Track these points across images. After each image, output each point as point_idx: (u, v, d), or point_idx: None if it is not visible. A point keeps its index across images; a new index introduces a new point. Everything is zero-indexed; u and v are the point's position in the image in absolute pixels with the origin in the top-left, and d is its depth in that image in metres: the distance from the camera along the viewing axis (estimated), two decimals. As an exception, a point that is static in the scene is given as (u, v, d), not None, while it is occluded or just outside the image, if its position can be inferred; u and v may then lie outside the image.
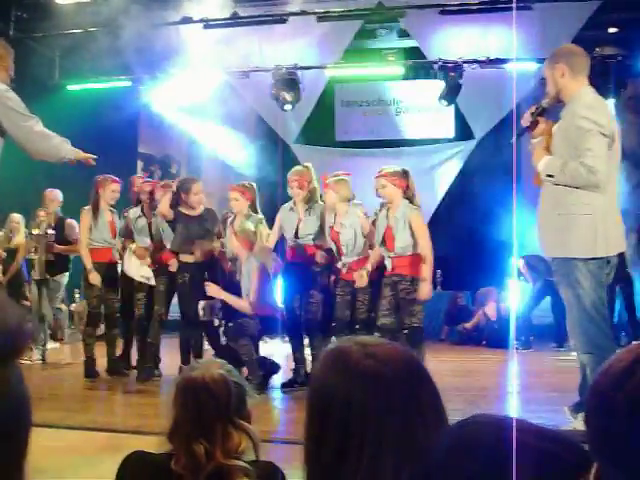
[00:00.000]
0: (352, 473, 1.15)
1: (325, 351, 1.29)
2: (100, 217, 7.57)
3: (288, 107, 11.58)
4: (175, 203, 7.27)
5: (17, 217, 9.92)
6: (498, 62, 10.97)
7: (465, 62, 11.01)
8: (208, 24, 11.31)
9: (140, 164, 13.70)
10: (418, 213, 6.43)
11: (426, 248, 6.26)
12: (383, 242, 6.40)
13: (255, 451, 2.02)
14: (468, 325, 11.57)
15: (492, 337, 11.02)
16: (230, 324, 6.68)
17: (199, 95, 12.09)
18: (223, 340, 7.10)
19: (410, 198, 6.42)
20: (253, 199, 7.28)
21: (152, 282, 7.36)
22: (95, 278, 7.43)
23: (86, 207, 7.71)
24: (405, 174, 6.45)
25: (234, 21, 11.16)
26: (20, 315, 0.78)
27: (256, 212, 7.30)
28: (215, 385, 1.99)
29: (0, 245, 9.74)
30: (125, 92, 12.03)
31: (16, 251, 9.74)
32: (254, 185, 7.41)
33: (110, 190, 7.57)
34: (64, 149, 4.72)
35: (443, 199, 13.14)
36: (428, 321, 12.14)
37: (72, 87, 12.27)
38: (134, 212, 7.73)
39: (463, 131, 13.24)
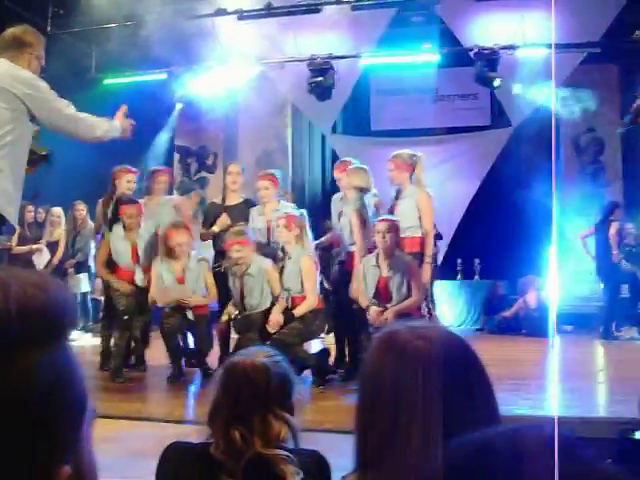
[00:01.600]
0: (400, 455, 1.15)
1: (377, 335, 1.30)
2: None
3: (323, 97, 11.54)
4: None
5: (57, 210, 10.09)
6: (535, 47, 10.80)
7: (502, 48, 10.86)
8: (242, 15, 11.30)
9: (177, 157, 13.78)
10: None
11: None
12: (378, 294, 6.42)
13: (295, 440, 2.02)
14: (507, 314, 11.47)
15: (532, 326, 10.91)
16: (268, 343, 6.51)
17: (234, 86, 12.11)
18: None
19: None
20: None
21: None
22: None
23: (101, 199, 7.69)
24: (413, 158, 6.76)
25: (268, 12, 11.14)
26: (67, 294, 0.75)
27: (287, 200, 7.28)
28: (255, 373, 2.00)
29: (44, 238, 9.91)
30: (161, 85, 12.07)
31: (57, 244, 9.92)
32: (276, 174, 7.37)
33: (125, 180, 7.45)
34: (100, 128, 4.63)
35: (480, 187, 13.02)
36: (466, 310, 12.16)
37: (108, 81, 12.37)
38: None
39: (500, 118, 13.09)
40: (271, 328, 6.32)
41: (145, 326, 7.18)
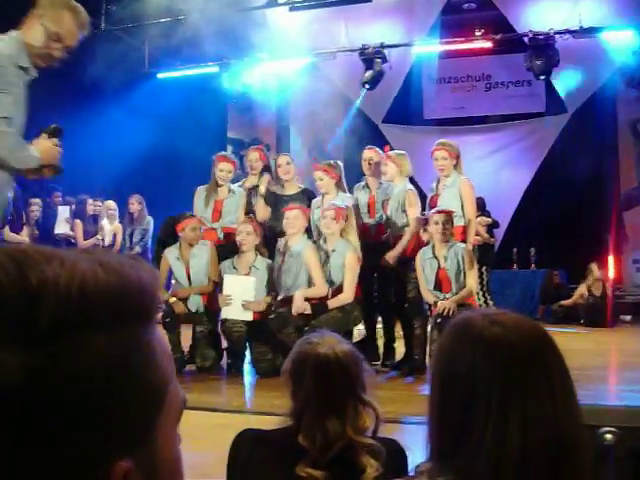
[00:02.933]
0: (477, 441, 1.14)
1: (450, 322, 1.29)
2: (211, 198, 7.40)
3: (375, 86, 11.50)
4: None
5: (112, 204, 10.25)
6: (591, 32, 10.59)
7: (556, 33, 10.66)
8: (294, 7, 11.32)
9: (230, 149, 13.87)
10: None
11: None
12: (438, 285, 6.40)
13: (375, 428, 2.02)
14: (565, 303, 11.32)
15: (591, 315, 10.75)
16: (272, 316, 6.42)
17: (286, 78, 12.14)
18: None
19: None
20: (339, 177, 7.20)
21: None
22: None
23: (200, 187, 7.69)
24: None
25: (319, 2, 11.12)
26: (154, 274, 0.73)
27: (344, 191, 7.23)
28: (348, 360, 2.01)
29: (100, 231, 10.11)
30: (213, 78, 12.16)
31: (114, 236, 10.12)
32: (340, 163, 7.34)
33: (219, 170, 7.36)
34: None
35: (536, 175, 12.86)
36: (522, 300, 12.03)
37: (162, 75, 12.50)
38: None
39: (555, 105, 12.89)
40: (294, 310, 6.32)
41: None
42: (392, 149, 7.36)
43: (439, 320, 6.07)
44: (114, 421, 0.64)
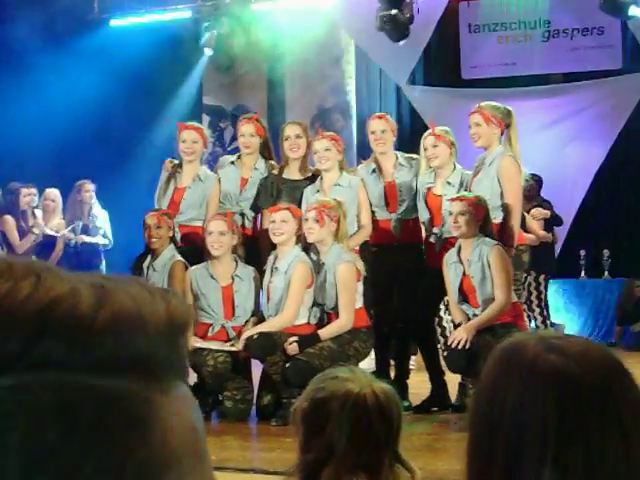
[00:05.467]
0: None
1: (495, 348, 1.32)
2: (171, 183, 7.45)
3: (398, 37, 11.46)
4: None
5: (53, 193, 10.27)
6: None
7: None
8: None
9: (206, 119, 13.83)
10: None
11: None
12: (463, 297, 6.41)
13: None
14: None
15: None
16: (288, 364, 6.32)
17: (281, 28, 12.10)
18: None
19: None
20: (342, 155, 7.19)
21: None
22: None
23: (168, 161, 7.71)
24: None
25: None
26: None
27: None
28: (389, 403, 2.00)
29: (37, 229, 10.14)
30: (183, 26, 12.15)
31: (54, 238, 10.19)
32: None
33: (180, 141, 7.40)
34: None
35: (611, 152, 12.80)
36: (594, 319, 11.98)
37: (116, 22, 12.50)
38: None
39: (635, 59, 12.84)
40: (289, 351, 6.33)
41: None
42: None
43: (445, 354, 6.10)
44: None
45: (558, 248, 11.16)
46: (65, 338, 0.63)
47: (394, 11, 11.17)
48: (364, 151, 7.48)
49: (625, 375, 1.24)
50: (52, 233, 10.05)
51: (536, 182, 10.02)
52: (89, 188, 10.21)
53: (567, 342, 1.25)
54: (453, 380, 6.61)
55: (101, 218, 10.27)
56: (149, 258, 6.92)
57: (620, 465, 1.14)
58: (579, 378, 1.19)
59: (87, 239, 10.08)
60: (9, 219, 9.86)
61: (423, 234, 7.03)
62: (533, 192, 10.05)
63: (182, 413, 0.68)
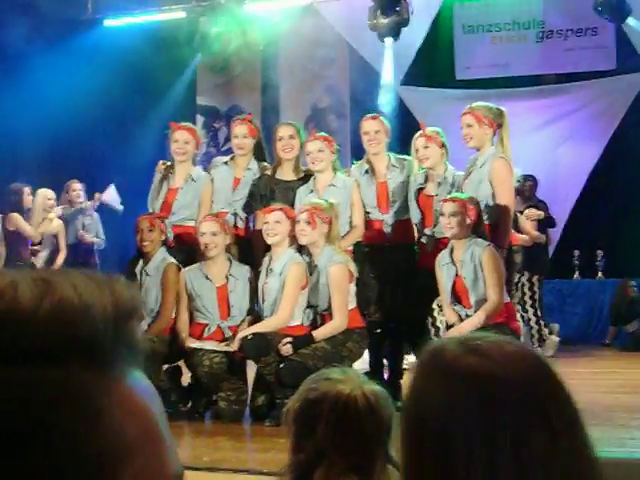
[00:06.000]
0: None
1: (420, 353, 1.31)
2: (164, 184, 7.44)
3: (392, 37, 11.47)
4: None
5: (49, 193, 10.31)
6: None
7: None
8: None
9: (200, 120, 13.83)
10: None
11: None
12: (456, 298, 6.41)
13: None
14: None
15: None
16: (282, 365, 6.32)
17: (273, 26, 12.10)
18: None
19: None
20: (335, 156, 7.20)
21: None
22: None
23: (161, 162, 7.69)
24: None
25: None
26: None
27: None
28: (378, 404, 2.00)
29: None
30: (177, 27, 12.14)
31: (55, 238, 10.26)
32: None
33: (173, 141, 7.37)
34: None
35: (604, 153, 12.81)
36: (587, 319, 11.98)
37: (110, 22, 12.49)
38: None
39: (629, 60, 12.85)
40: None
41: None
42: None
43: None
44: None
45: (552, 249, 11.16)
46: (7, 331, 0.63)
47: (387, 12, 11.19)
48: (358, 152, 7.43)
49: (547, 372, 1.24)
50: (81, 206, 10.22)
51: (532, 182, 10.06)
52: (76, 187, 10.27)
53: (486, 343, 1.24)
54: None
55: (94, 217, 10.37)
56: (141, 262, 6.91)
57: (551, 461, 1.14)
58: (499, 378, 1.18)
59: (105, 197, 10.23)
60: (16, 215, 9.87)
61: (415, 235, 7.03)
62: (530, 192, 10.09)
63: (137, 400, 0.68)
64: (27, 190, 9.93)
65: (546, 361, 1.25)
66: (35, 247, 10.01)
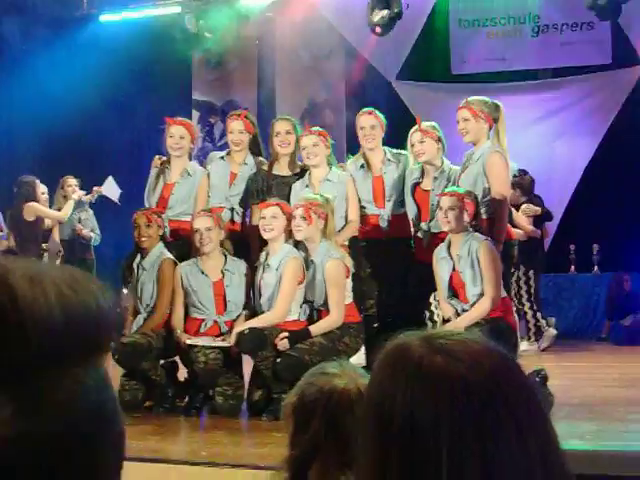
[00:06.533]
0: None
1: (381, 351, 1.27)
2: (160, 179, 7.46)
3: (387, 32, 11.45)
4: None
5: (43, 188, 10.33)
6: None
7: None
8: None
9: (196, 115, 13.81)
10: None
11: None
12: (453, 292, 6.41)
13: None
14: (640, 318, 11.34)
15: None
16: (279, 360, 6.32)
17: (270, 22, 12.09)
18: None
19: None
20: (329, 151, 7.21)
21: None
22: None
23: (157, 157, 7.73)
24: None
25: None
26: (108, 300, 0.75)
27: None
28: None
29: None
30: (173, 21, 12.12)
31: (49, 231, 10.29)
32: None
33: (168, 136, 7.38)
34: None
35: (600, 147, 12.82)
36: (583, 313, 11.99)
37: (105, 18, 12.47)
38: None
39: (625, 54, 12.85)
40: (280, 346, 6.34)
41: None
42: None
43: None
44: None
45: (547, 243, 11.17)
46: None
47: (383, 7, 11.17)
48: (354, 146, 7.43)
49: (513, 368, 1.23)
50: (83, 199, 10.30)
51: (526, 180, 10.08)
52: (71, 183, 10.27)
53: (451, 341, 1.23)
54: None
55: (89, 212, 10.40)
56: (138, 257, 6.92)
57: (518, 458, 1.14)
58: (465, 378, 1.17)
59: (104, 190, 10.24)
60: (35, 204, 9.86)
61: (412, 229, 7.03)
62: (530, 186, 10.11)
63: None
64: (38, 182, 10.00)
65: (512, 358, 1.25)
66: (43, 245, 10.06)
